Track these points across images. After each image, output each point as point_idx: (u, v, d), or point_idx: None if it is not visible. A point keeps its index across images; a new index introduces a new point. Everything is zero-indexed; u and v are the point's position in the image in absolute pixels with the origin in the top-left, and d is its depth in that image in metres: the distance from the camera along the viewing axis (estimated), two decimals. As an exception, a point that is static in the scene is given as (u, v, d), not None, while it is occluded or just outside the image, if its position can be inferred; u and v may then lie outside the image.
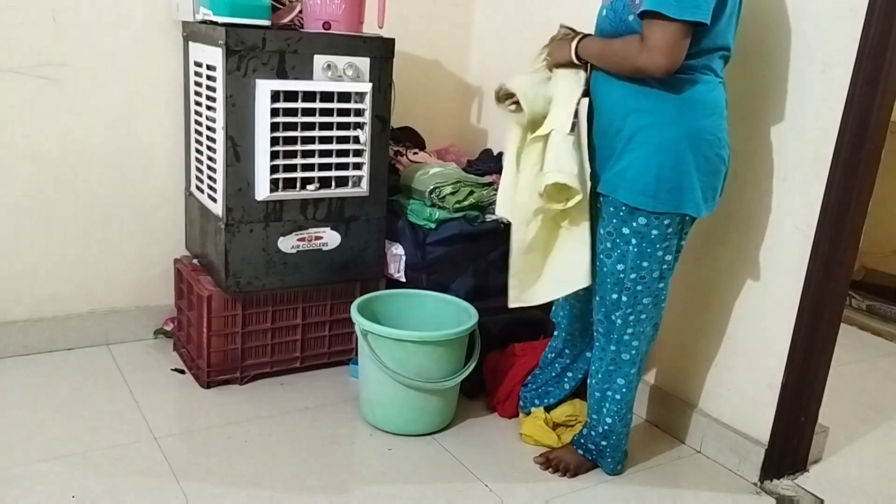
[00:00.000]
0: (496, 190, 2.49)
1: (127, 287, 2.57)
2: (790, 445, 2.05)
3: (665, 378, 2.32)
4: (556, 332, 2.18)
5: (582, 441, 2.04)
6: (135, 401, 2.22)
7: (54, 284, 2.46)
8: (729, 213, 2.07)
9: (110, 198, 2.47)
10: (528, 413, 2.21)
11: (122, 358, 2.48)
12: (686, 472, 2.11)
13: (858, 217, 1.88)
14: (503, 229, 2.43)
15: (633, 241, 1.78)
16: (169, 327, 2.60)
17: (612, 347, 1.90)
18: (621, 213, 1.78)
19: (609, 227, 1.82)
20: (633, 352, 1.90)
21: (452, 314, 2.27)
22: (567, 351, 2.15)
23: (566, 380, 2.18)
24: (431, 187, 2.37)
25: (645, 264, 1.80)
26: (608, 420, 1.96)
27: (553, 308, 2.17)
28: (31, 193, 2.36)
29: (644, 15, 1.62)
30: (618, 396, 1.94)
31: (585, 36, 1.84)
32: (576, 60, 1.83)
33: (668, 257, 1.81)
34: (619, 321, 1.87)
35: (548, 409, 2.19)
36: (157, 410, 2.18)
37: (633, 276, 1.81)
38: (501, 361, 2.33)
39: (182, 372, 2.43)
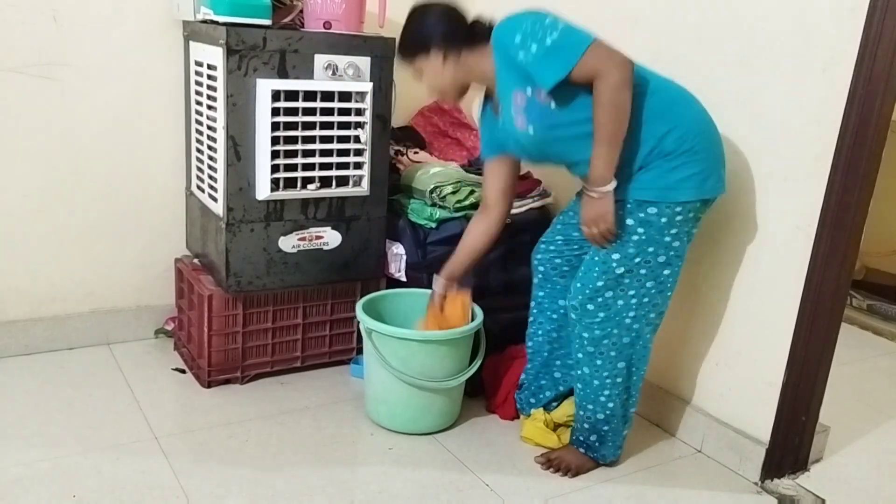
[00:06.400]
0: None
1: (127, 286, 2.57)
2: (791, 445, 2.05)
3: (665, 377, 2.32)
4: (534, 316, 2.16)
5: (581, 438, 2.03)
6: (135, 400, 2.22)
7: (55, 284, 2.46)
8: (729, 212, 2.07)
9: (111, 197, 2.47)
10: (528, 416, 2.21)
11: (122, 357, 2.48)
12: (686, 471, 2.11)
13: (859, 216, 1.88)
14: (502, 229, 2.43)
15: (641, 230, 1.80)
16: (170, 327, 2.60)
17: (615, 331, 1.89)
18: (630, 206, 1.80)
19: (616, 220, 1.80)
20: (634, 335, 1.90)
21: (457, 314, 2.27)
22: (554, 335, 2.14)
23: (555, 368, 2.16)
24: (432, 187, 2.37)
25: (651, 249, 1.81)
26: (610, 405, 1.95)
27: (533, 289, 2.17)
28: (31, 193, 2.36)
29: (570, 81, 1.68)
30: (619, 380, 1.93)
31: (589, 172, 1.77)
32: (611, 185, 1.74)
33: (676, 243, 1.82)
34: (620, 302, 1.86)
35: (547, 409, 2.19)
36: (158, 410, 2.18)
37: (637, 259, 1.82)
38: (500, 364, 2.33)
39: (183, 371, 2.43)
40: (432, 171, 2.43)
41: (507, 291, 2.48)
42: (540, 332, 2.16)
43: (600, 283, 1.87)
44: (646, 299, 1.86)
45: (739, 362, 2.10)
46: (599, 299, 1.88)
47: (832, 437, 2.22)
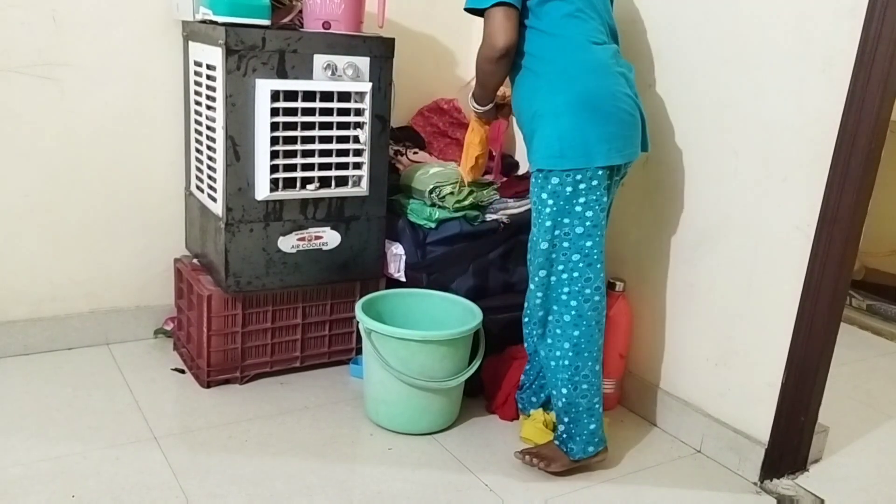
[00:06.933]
0: (496, 190, 2.51)
1: (127, 286, 2.57)
2: (790, 445, 2.05)
3: (665, 377, 2.32)
4: (528, 317, 2.15)
5: (557, 432, 2.03)
6: (135, 400, 2.22)
7: (54, 284, 2.46)
8: (729, 212, 2.07)
9: (110, 197, 2.47)
10: (528, 416, 2.21)
11: (122, 357, 2.48)
12: (686, 471, 2.11)
13: (858, 216, 1.88)
14: (503, 229, 2.44)
15: (551, 201, 1.88)
16: (169, 327, 2.60)
17: (555, 307, 1.94)
18: (539, 180, 1.90)
19: (533, 196, 1.94)
20: (574, 312, 1.92)
21: (457, 314, 2.27)
22: None
23: None
24: (431, 187, 2.37)
25: (566, 220, 1.88)
26: (564, 391, 1.96)
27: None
28: (30, 193, 2.36)
29: (472, 13, 1.89)
30: (566, 362, 1.94)
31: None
32: (479, 109, 2.12)
33: (589, 213, 1.87)
34: (553, 279, 1.93)
35: (547, 409, 2.19)
36: (157, 410, 2.18)
37: (556, 232, 1.90)
38: (500, 365, 2.32)
39: (182, 371, 2.43)
40: (431, 172, 2.44)
41: (507, 291, 2.48)
42: (534, 332, 2.16)
43: (536, 263, 1.95)
44: (576, 273, 1.91)
45: (739, 362, 2.10)
46: (537, 279, 1.96)
47: (831, 437, 2.22)
